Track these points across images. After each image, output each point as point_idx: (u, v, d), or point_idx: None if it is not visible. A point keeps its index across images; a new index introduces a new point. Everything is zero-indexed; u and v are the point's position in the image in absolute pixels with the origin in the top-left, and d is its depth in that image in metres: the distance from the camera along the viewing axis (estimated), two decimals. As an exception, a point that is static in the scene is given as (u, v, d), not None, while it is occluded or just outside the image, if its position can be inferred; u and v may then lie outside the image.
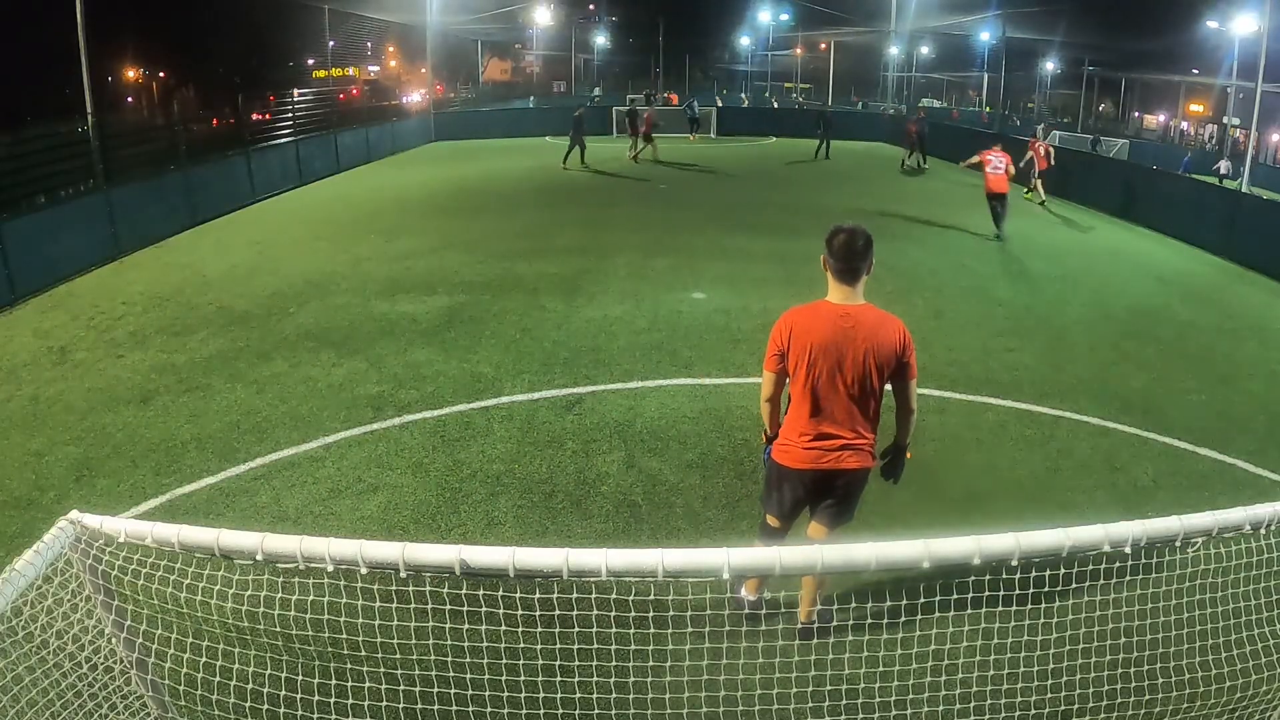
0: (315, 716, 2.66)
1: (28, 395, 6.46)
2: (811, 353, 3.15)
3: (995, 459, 5.55)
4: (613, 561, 1.91)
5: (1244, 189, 16.73)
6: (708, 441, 5.66)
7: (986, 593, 2.48)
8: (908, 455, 3.42)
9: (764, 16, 50.18)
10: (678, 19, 52.97)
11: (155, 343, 7.64)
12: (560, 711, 3.00)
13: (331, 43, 26.54)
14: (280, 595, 2.64)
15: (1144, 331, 8.40)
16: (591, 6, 55.27)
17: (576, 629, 2.97)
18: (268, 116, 18.38)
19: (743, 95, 50.54)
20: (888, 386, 3.28)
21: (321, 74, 31.83)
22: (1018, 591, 2.60)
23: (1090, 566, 2.71)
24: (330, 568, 1.95)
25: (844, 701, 2.98)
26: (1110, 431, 5.97)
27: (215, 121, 17.14)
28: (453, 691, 2.69)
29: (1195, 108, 44.87)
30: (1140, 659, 3.03)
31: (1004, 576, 2.46)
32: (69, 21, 12.27)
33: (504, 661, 2.69)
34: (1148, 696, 2.98)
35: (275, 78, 33.03)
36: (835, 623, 3.57)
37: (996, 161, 12.44)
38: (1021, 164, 15.78)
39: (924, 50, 49.20)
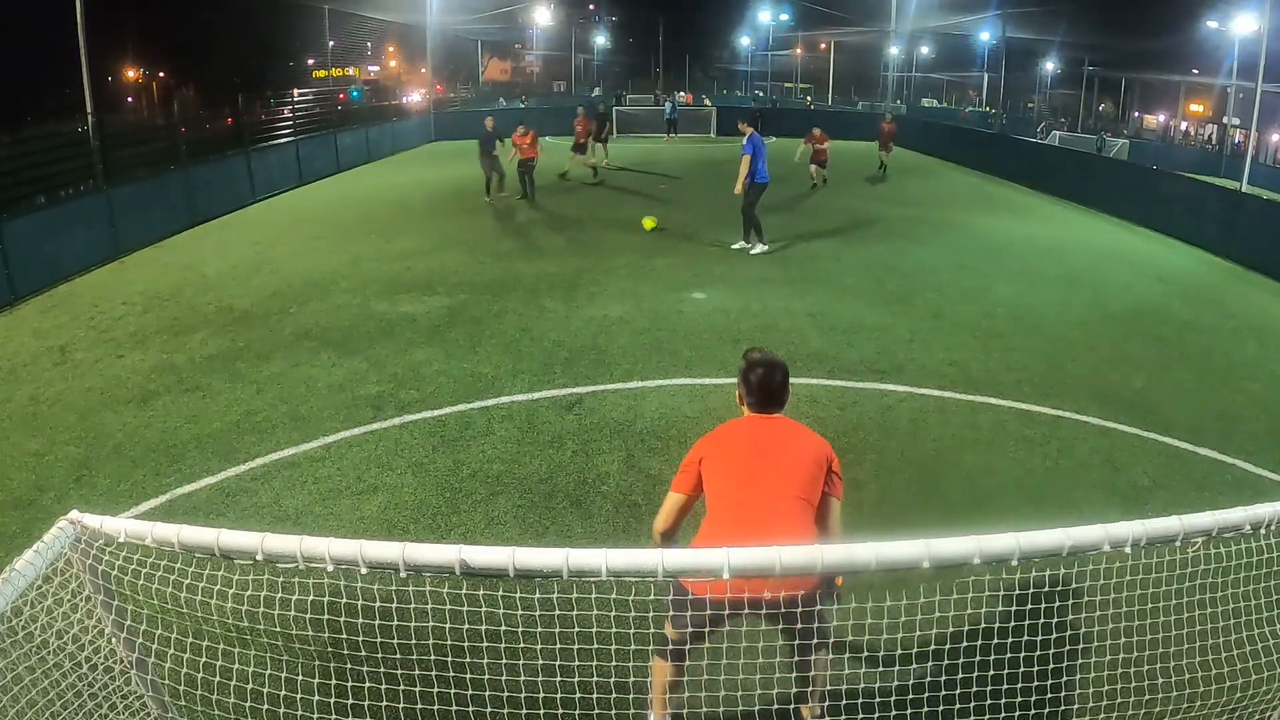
0: (315, 716, 2.66)
1: (28, 395, 6.46)
2: (736, 459, 2.83)
3: (995, 459, 5.55)
4: (613, 561, 1.91)
5: (1243, 189, 16.72)
6: (708, 441, 5.65)
7: (986, 593, 2.48)
8: (838, 582, 2.93)
9: (764, 16, 50.19)
10: (678, 19, 53.04)
11: (155, 343, 7.64)
12: (560, 711, 3.00)
13: (331, 43, 26.56)
14: (280, 595, 2.63)
15: (1144, 331, 8.40)
16: (591, 6, 55.31)
17: (576, 629, 2.97)
18: (264, 117, 18.40)
19: (770, 97, 50.27)
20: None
21: (321, 74, 31.88)
22: (1018, 591, 2.60)
23: (1090, 566, 2.71)
24: (330, 568, 1.94)
25: (844, 701, 2.98)
26: (1110, 431, 5.97)
27: (230, 121, 17.05)
28: (453, 691, 2.69)
29: (1195, 108, 44.88)
30: (1140, 659, 3.03)
31: (1004, 576, 2.46)
32: (69, 21, 12.29)
33: (504, 661, 2.69)
34: (1148, 696, 2.98)
35: (275, 78, 33.03)
36: (835, 623, 3.57)
37: None
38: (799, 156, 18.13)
39: (924, 50, 49.22)
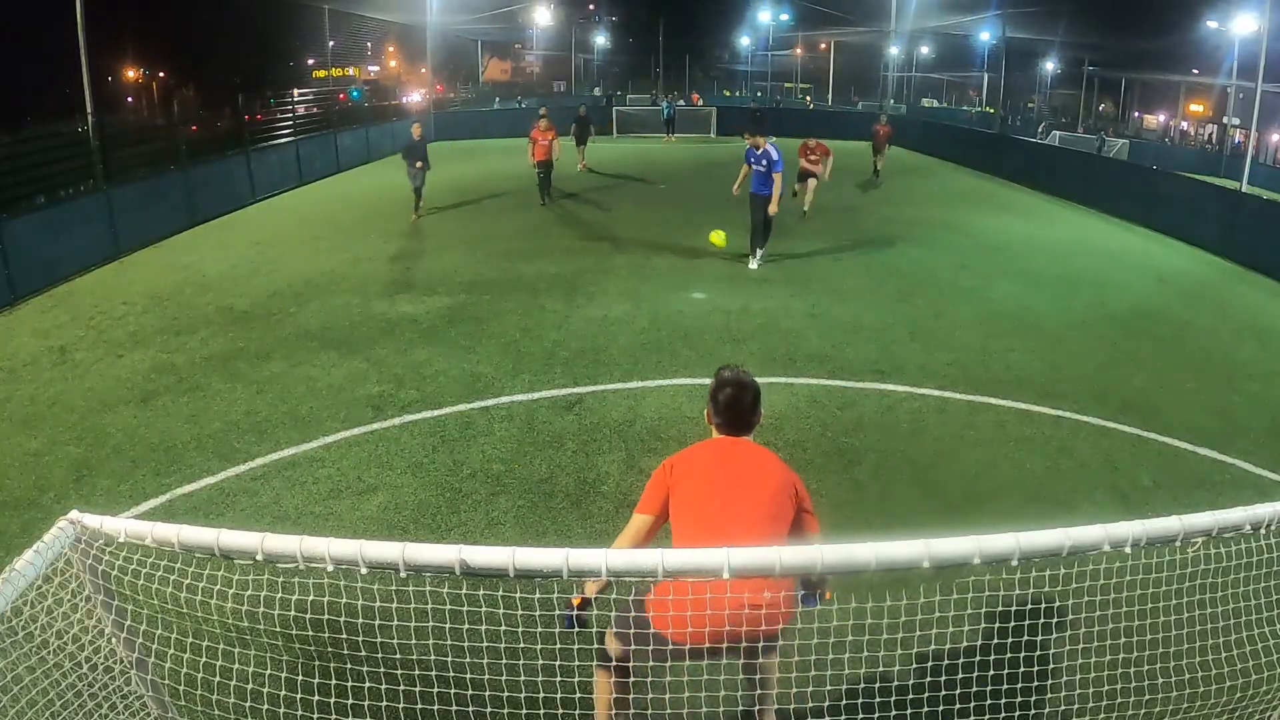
0: (315, 716, 2.65)
1: (28, 395, 6.46)
2: (707, 486, 2.71)
3: (995, 459, 5.55)
4: (613, 561, 1.91)
5: (1243, 189, 16.70)
6: (708, 441, 5.65)
7: (986, 593, 2.48)
8: (827, 596, 2.83)
9: (764, 16, 50.13)
10: (678, 19, 52.95)
11: (155, 343, 7.64)
12: (560, 712, 3.00)
13: (331, 43, 26.55)
14: (280, 595, 2.63)
15: (1144, 331, 8.40)
16: (591, 6, 55.27)
17: (576, 629, 2.97)
18: (259, 118, 18.41)
19: (774, 97, 49.92)
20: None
21: (321, 74, 31.87)
22: (1018, 591, 2.60)
23: (1090, 566, 2.71)
24: (330, 568, 1.94)
25: (844, 702, 2.98)
26: (1110, 431, 5.97)
27: (246, 118, 16.89)
28: (453, 691, 2.69)
29: (1195, 108, 44.85)
30: (1140, 659, 3.02)
31: (1004, 576, 2.46)
32: (69, 21, 12.28)
33: (504, 661, 2.69)
34: (1148, 696, 2.98)
35: (275, 78, 33.06)
36: (835, 623, 3.56)
37: None
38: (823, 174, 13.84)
39: (924, 50, 49.19)
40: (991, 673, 2.73)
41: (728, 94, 59.26)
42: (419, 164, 13.13)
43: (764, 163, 9.99)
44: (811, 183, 13.82)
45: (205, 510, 4.79)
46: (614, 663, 2.80)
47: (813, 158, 13.86)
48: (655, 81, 51.72)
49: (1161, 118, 48.51)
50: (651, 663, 2.71)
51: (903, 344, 7.69)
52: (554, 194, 15.28)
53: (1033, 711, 2.98)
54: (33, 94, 30.07)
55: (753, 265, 10.45)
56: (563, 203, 15.22)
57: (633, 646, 2.68)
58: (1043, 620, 3.25)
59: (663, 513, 2.74)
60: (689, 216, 13.71)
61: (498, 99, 42.75)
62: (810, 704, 2.98)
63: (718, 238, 10.07)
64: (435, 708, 2.73)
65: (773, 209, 10.10)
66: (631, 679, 2.86)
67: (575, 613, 2.76)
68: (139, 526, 2.07)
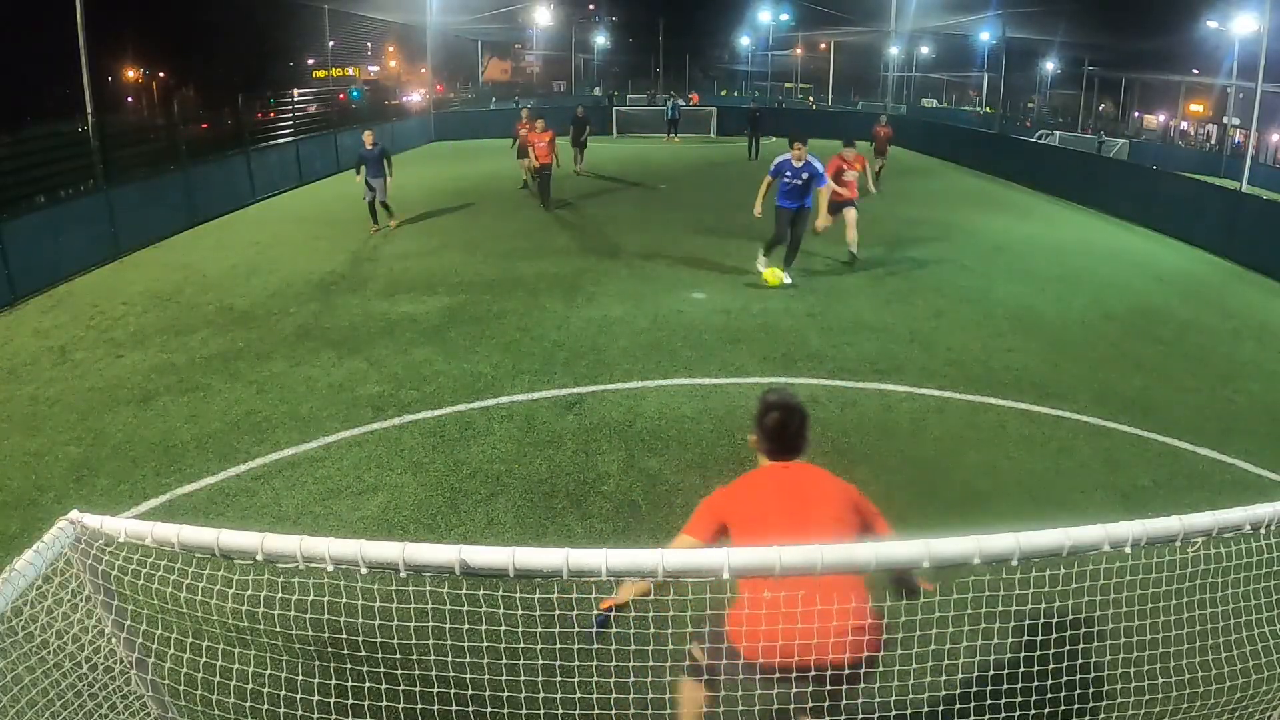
0: (315, 716, 2.65)
1: (28, 395, 6.46)
2: (771, 518, 2.60)
3: (995, 459, 5.55)
4: (613, 561, 1.91)
5: (1243, 189, 16.69)
6: (708, 441, 5.65)
7: (986, 593, 2.48)
8: (927, 586, 2.75)
9: (764, 16, 50.18)
10: (678, 19, 53.04)
11: (155, 343, 7.64)
12: (560, 711, 3.00)
13: (331, 43, 26.57)
14: (280, 595, 2.63)
15: (1144, 331, 8.40)
16: (591, 6, 55.36)
17: (576, 629, 2.97)
18: (272, 115, 18.42)
19: (776, 98, 49.43)
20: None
21: (321, 74, 31.91)
22: (1018, 591, 2.60)
23: (1090, 566, 2.71)
24: (330, 568, 1.94)
25: (843, 702, 2.98)
26: (1110, 431, 5.97)
27: (259, 115, 16.96)
28: (453, 691, 2.69)
29: (1195, 108, 44.84)
30: (1140, 659, 3.02)
31: (1004, 576, 2.46)
32: (69, 21, 12.29)
33: (504, 661, 2.69)
34: (1148, 696, 2.98)
35: (275, 78, 33.06)
36: (836, 622, 3.55)
37: None
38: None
39: (924, 50, 49.21)
40: (991, 673, 2.73)
41: (725, 94, 59.26)
42: (363, 179, 12.07)
43: (805, 175, 9.14)
44: (851, 213, 10.65)
45: (205, 510, 4.79)
46: (704, 676, 2.71)
47: (847, 178, 10.75)
48: (655, 81, 51.72)
49: (1161, 118, 48.51)
50: (739, 677, 2.62)
51: (903, 344, 7.69)
52: (554, 200, 14.69)
53: (1033, 711, 2.98)
54: (33, 94, 30.11)
55: (788, 281, 9.53)
56: (563, 204, 15.21)
57: (723, 661, 2.61)
58: (1043, 620, 3.25)
59: (715, 541, 2.64)
60: (689, 217, 13.72)
61: (494, 99, 42.74)
62: (810, 704, 2.98)
63: (773, 275, 9.48)
64: (435, 708, 2.73)
65: (821, 223, 9.55)
66: (720, 693, 2.77)
67: (610, 613, 2.68)
68: (139, 526, 2.07)
